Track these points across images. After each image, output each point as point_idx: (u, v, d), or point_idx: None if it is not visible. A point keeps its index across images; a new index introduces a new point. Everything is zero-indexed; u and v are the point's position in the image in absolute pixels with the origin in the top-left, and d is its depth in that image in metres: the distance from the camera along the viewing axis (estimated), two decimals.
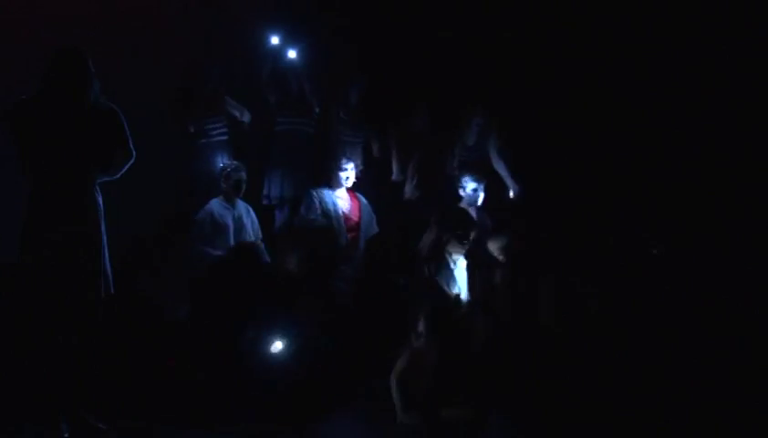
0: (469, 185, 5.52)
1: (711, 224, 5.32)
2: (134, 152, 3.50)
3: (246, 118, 5.47)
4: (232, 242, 4.86)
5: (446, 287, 4.87)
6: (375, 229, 5.35)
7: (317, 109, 5.71)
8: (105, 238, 3.46)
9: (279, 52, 5.56)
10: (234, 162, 4.97)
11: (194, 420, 3.77)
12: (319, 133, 5.72)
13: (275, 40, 5.53)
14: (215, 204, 4.93)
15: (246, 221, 4.98)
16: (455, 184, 5.66)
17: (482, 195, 5.60)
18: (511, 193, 5.78)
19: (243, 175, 4.95)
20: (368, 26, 6.24)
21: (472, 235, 4.91)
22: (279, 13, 5.70)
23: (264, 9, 5.72)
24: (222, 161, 5.04)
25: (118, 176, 3.52)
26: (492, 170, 5.77)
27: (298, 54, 5.55)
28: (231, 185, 4.91)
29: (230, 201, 4.94)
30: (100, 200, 3.46)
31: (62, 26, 4.94)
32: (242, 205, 5.01)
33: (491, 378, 4.18)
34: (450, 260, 4.93)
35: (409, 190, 5.74)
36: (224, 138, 5.40)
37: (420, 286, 4.87)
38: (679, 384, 4.10)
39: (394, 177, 5.87)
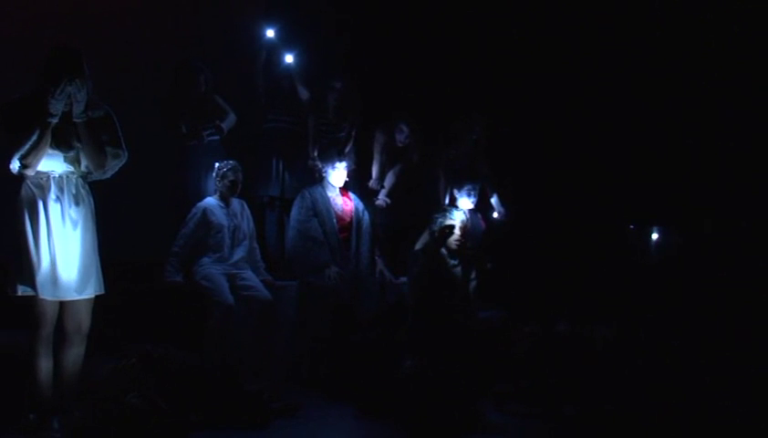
0: (464, 188, 5.56)
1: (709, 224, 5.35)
2: (126, 152, 3.49)
3: (227, 124, 5.38)
4: (227, 240, 4.84)
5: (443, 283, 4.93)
6: (368, 230, 5.34)
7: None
8: (96, 238, 3.45)
9: (274, 46, 5.55)
10: (231, 162, 4.93)
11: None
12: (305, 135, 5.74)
13: (270, 33, 5.52)
14: (210, 203, 4.91)
15: (241, 219, 4.96)
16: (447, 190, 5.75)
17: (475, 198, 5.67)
18: (495, 214, 5.85)
19: (240, 176, 4.93)
20: (363, 29, 6.27)
21: (463, 232, 4.97)
22: (272, 12, 5.70)
23: (257, 8, 5.72)
24: (215, 161, 5.01)
25: (109, 176, 3.50)
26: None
27: (294, 58, 5.54)
28: (226, 185, 4.89)
29: (225, 200, 4.93)
30: (91, 199, 3.45)
31: (56, 25, 4.92)
32: (236, 203, 4.99)
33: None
34: (446, 256, 4.97)
35: (381, 197, 5.77)
36: (216, 138, 5.37)
37: (418, 283, 4.92)
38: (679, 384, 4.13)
39: (371, 184, 5.89)
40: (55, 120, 3.22)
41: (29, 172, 3.26)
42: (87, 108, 3.30)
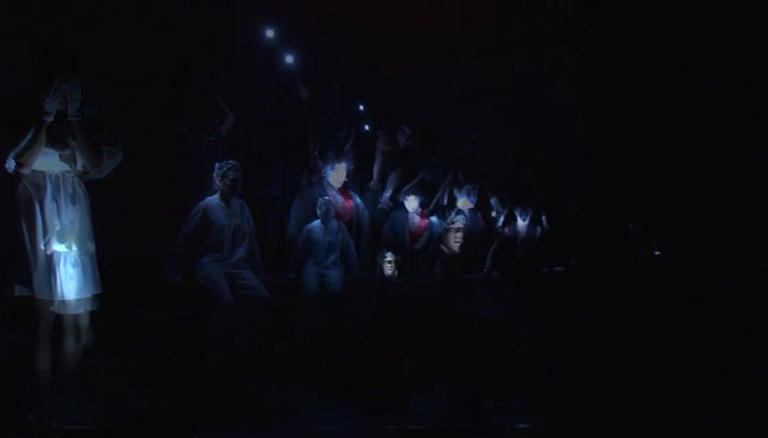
0: (464, 188, 5.58)
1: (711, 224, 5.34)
2: (122, 152, 3.48)
3: (225, 126, 5.38)
4: (228, 240, 4.84)
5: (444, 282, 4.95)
6: (368, 228, 5.35)
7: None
8: (93, 237, 3.45)
9: (274, 47, 5.57)
10: (231, 161, 4.93)
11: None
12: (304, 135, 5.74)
13: (270, 33, 5.55)
14: (210, 202, 4.91)
15: (242, 219, 4.96)
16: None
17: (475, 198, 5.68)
18: (493, 213, 5.87)
19: (240, 175, 4.93)
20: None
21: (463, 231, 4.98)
22: (272, 14, 5.71)
23: (258, 8, 5.72)
24: (215, 162, 5.01)
25: (104, 175, 3.50)
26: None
27: (294, 59, 5.56)
28: (227, 184, 4.89)
29: (225, 199, 4.93)
30: (88, 198, 3.45)
31: (56, 24, 4.92)
32: (236, 203, 4.99)
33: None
34: (447, 256, 4.99)
35: (384, 200, 5.77)
36: (216, 139, 5.38)
37: (418, 279, 4.95)
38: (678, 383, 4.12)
39: (371, 185, 5.88)
40: (50, 119, 3.23)
41: (25, 171, 3.27)
42: (82, 106, 3.30)
